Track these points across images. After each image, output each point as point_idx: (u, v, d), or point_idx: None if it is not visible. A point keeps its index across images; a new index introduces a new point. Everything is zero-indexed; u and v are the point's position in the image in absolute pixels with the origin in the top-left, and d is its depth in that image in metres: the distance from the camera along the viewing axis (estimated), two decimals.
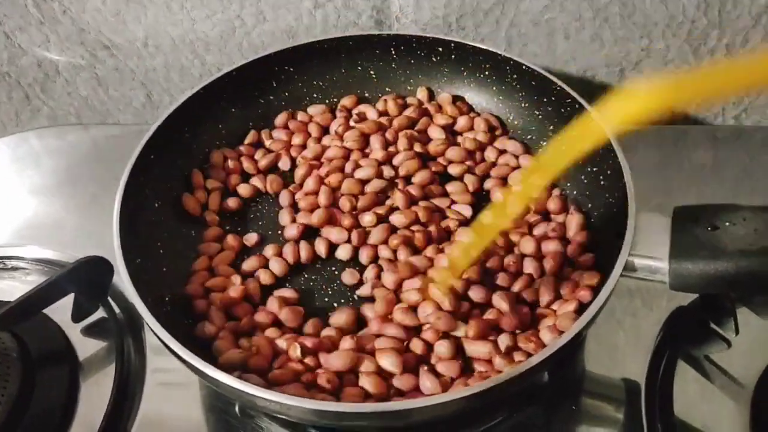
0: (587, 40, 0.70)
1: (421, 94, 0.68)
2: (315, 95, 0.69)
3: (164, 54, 0.74)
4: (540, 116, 0.64)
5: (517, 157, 0.63)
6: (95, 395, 0.54)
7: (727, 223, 0.45)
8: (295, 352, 0.49)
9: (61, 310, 0.56)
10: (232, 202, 0.61)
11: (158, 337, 0.46)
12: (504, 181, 0.61)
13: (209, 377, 0.44)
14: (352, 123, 0.65)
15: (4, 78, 0.77)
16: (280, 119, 0.67)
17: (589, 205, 0.58)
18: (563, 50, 0.71)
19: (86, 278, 0.56)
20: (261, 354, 0.49)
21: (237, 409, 0.53)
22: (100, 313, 0.58)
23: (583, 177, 0.58)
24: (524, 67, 0.62)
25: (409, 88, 0.69)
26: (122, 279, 0.49)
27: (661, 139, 0.71)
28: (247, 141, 0.65)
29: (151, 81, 0.77)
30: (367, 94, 0.69)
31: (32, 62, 0.76)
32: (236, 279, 0.55)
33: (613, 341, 0.55)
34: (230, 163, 0.63)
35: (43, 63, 0.76)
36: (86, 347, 0.57)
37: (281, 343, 0.50)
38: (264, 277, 0.56)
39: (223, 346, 0.50)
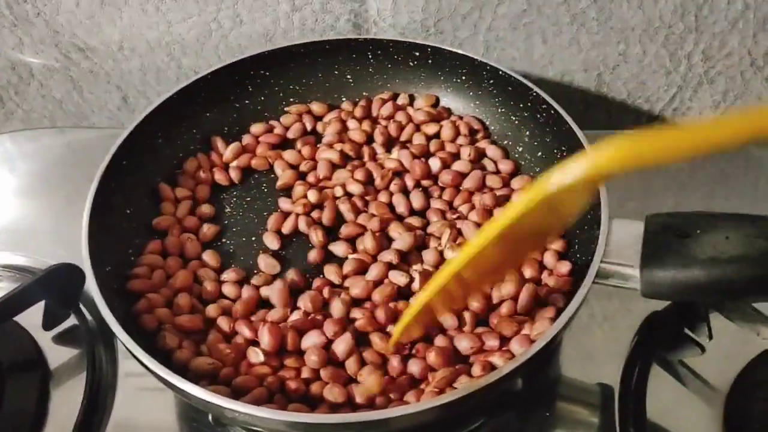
0: (565, 45, 0.70)
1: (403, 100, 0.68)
2: (291, 99, 0.68)
3: (140, 56, 0.73)
4: (516, 122, 0.63)
5: (495, 162, 0.62)
6: (66, 403, 0.53)
7: (699, 231, 0.45)
8: (257, 357, 0.49)
9: (31, 318, 0.55)
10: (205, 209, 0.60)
11: (126, 347, 0.45)
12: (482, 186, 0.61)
13: (178, 389, 0.43)
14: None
15: None
16: (256, 128, 0.66)
17: None
18: (541, 54, 0.71)
19: (57, 285, 0.55)
20: (229, 365, 0.49)
21: (210, 417, 0.52)
22: (71, 321, 0.57)
23: None
24: (500, 72, 0.62)
25: (385, 92, 0.68)
26: (91, 288, 0.48)
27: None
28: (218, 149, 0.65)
29: (126, 83, 0.76)
30: (344, 98, 0.69)
31: (5, 65, 0.75)
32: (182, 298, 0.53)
33: (588, 346, 0.55)
34: (201, 174, 0.62)
35: (16, 65, 0.75)
36: (57, 355, 0.56)
37: (240, 339, 0.50)
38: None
39: (184, 357, 0.49)
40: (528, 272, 0.53)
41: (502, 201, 0.58)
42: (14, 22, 0.71)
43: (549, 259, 0.54)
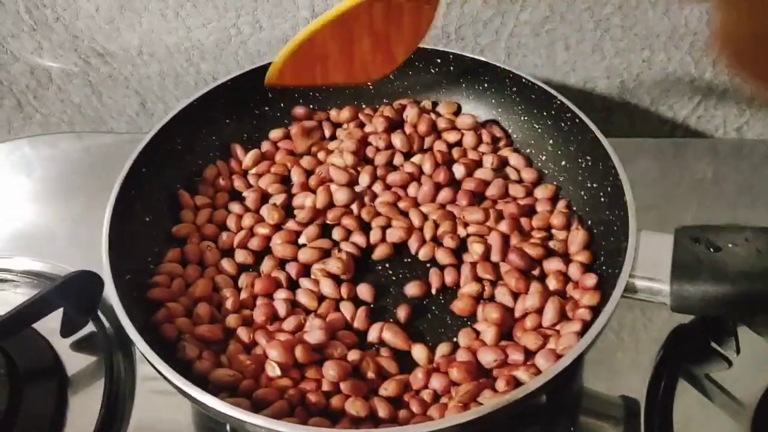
0: (588, 51, 0.69)
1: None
2: (311, 106, 0.67)
3: (159, 62, 0.73)
4: (539, 129, 0.63)
5: (518, 171, 0.62)
6: (84, 411, 0.53)
7: (730, 245, 0.44)
8: (274, 371, 0.48)
9: (49, 325, 0.55)
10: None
11: (145, 357, 0.45)
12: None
13: (198, 401, 0.43)
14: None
15: None
16: (275, 134, 0.66)
17: (589, 222, 0.57)
18: (563, 61, 0.70)
19: (76, 293, 0.54)
20: (249, 376, 0.48)
21: (228, 427, 0.52)
22: (89, 328, 0.57)
23: (582, 193, 0.58)
24: (524, 79, 0.61)
25: (405, 99, 0.68)
26: (110, 296, 0.48)
27: (661, 151, 0.70)
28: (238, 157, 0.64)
29: (145, 89, 0.76)
30: (364, 105, 0.68)
31: (24, 69, 0.75)
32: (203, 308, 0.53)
33: (613, 358, 0.55)
34: (221, 181, 0.62)
35: (35, 70, 0.75)
36: (75, 362, 0.56)
37: (259, 350, 0.50)
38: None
39: (205, 368, 0.48)
40: (552, 284, 0.52)
41: (526, 210, 0.58)
42: (33, 27, 0.71)
43: (574, 271, 0.53)
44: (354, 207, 0.59)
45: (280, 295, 0.54)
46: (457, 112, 0.66)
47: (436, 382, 0.47)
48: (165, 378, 0.44)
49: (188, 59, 0.73)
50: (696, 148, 0.72)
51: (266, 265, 0.56)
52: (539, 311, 0.50)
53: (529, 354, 0.48)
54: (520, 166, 0.62)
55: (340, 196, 0.59)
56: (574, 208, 0.58)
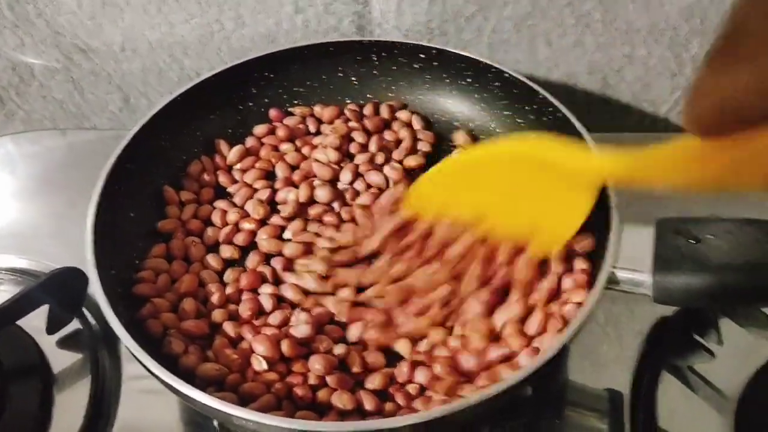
0: (569, 47, 0.69)
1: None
2: (295, 101, 0.67)
3: (141, 58, 0.73)
4: (522, 124, 0.63)
5: None
6: (70, 408, 0.53)
7: (711, 236, 0.45)
8: (260, 365, 0.48)
9: (34, 321, 0.55)
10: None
11: (131, 352, 0.45)
12: None
13: (185, 395, 0.43)
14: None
15: None
16: (259, 130, 0.66)
17: None
18: (545, 57, 0.70)
19: (61, 289, 0.54)
20: (236, 370, 0.48)
21: (215, 423, 0.52)
22: (74, 325, 0.57)
23: None
24: (506, 74, 0.62)
25: (390, 94, 0.68)
26: (95, 292, 0.48)
27: (642, 146, 0.70)
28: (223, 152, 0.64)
29: (128, 85, 0.76)
30: (348, 101, 0.68)
31: (6, 66, 0.74)
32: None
33: (596, 351, 0.55)
34: (206, 177, 0.62)
35: (17, 66, 0.74)
36: (61, 359, 0.56)
37: (245, 344, 0.50)
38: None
39: (191, 362, 0.48)
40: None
41: None
42: (15, 23, 0.70)
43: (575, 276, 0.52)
44: (335, 205, 0.60)
45: (266, 289, 0.54)
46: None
47: (421, 376, 0.48)
48: (151, 373, 0.44)
49: (171, 55, 0.72)
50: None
51: (252, 260, 0.56)
52: (521, 321, 0.50)
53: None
54: None
55: (321, 193, 0.59)
56: None
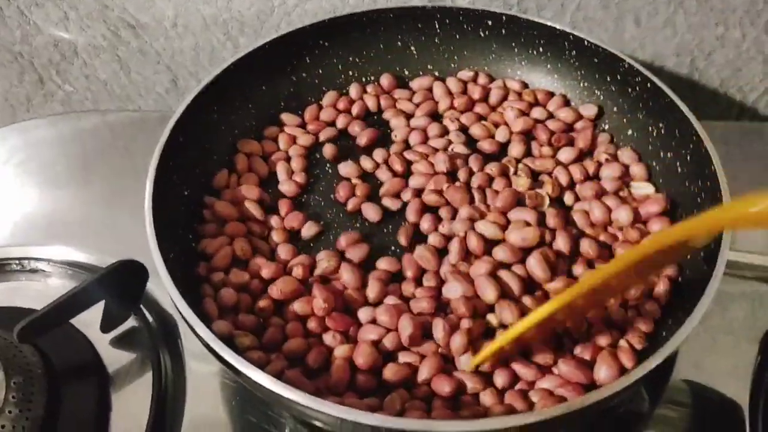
0: (659, 26, 0.64)
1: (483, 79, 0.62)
2: (350, 73, 0.63)
3: (193, 35, 0.68)
4: (602, 96, 0.58)
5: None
6: (128, 411, 0.49)
7: None
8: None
9: (88, 319, 0.50)
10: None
11: (205, 343, 0.41)
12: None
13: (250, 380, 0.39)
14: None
15: (16, 59, 0.71)
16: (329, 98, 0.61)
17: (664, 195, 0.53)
18: (631, 36, 0.65)
19: (119, 284, 0.50)
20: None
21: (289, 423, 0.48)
22: (130, 322, 0.52)
23: (654, 163, 0.55)
24: (586, 42, 0.57)
25: (452, 65, 0.63)
26: (162, 280, 0.43)
27: (727, 136, 0.65)
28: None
29: (177, 64, 0.71)
30: (406, 72, 0.63)
31: (48, 42, 0.69)
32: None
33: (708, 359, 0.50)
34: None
35: (59, 43, 0.69)
36: (116, 359, 0.51)
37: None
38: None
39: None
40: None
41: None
42: None
43: None
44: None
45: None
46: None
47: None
48: (222, 360, 0.40)
49: (226, 32, 0.68)
50: (764, 134, 0.67)
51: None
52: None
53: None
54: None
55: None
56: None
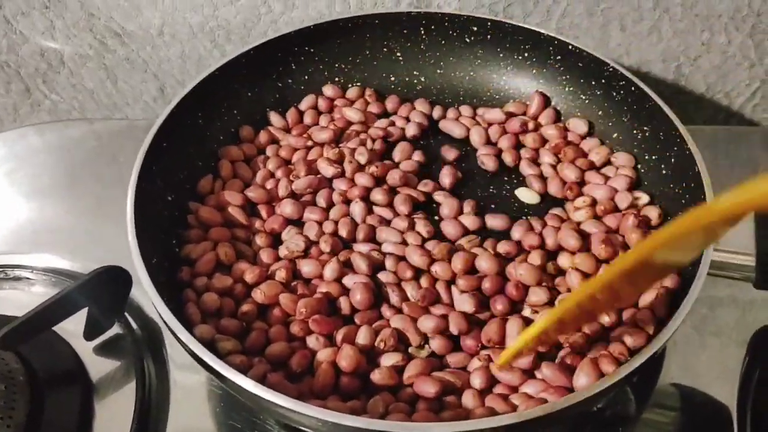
0: (644, 33, 0.64)
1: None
2: (336, 79, 0.62)
3: (180, 43, 0.68)
4: (586, 101, 0.58)
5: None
6: (111, 419, 0.48)
7: None
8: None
9: (71, 327, 0.50)
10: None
11: (187, 347, 0.40)
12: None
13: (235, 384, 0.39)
14: None
15: (2, 68, 0.71)
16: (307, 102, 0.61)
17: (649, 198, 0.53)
18: (617, 43, 0.65)
19: (102, 291, 0.49)
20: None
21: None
22: (115, 330, 0.52)
23: (639, 166, 0.55)
24: (570, 47, 0.57)
25: (438, 71, 0.63)
26: (143, 285, 0.43)
27: (714, 141, 0.65)
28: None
29: (164, 72, 0.71)
30: (392, 78, 0.63)
31: (34, 51, 0.69)
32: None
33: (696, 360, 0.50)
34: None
35: (46, 52, 0.69)
36: (100, 367, 0.51)
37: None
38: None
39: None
40: None
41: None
42: (45, 4, 0.65)
43: None
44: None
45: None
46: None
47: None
48: (206, 367, 0.40)
49: (213, 40, 0.68)
50: (751, 138, 0.67)
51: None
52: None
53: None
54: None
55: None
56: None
